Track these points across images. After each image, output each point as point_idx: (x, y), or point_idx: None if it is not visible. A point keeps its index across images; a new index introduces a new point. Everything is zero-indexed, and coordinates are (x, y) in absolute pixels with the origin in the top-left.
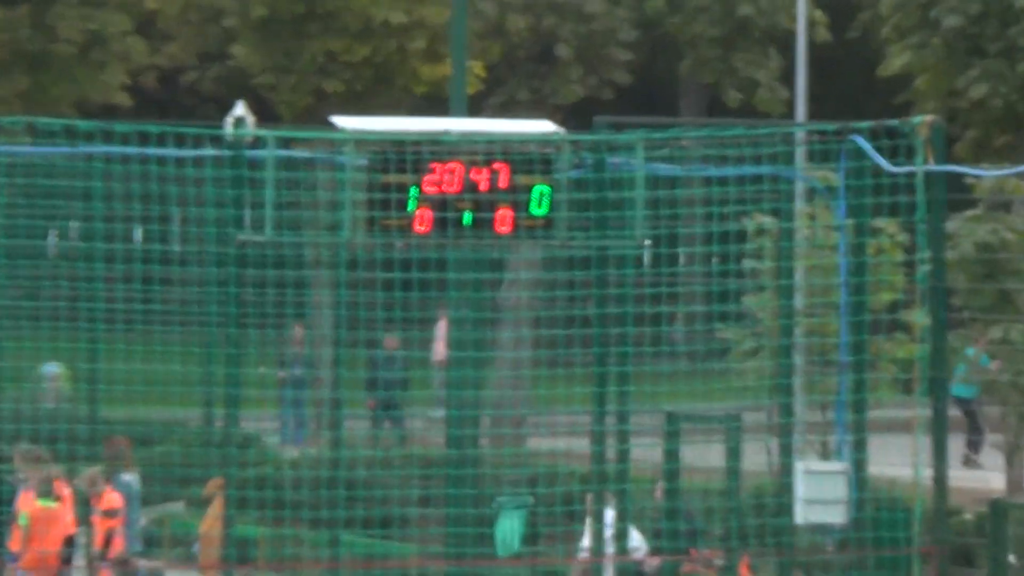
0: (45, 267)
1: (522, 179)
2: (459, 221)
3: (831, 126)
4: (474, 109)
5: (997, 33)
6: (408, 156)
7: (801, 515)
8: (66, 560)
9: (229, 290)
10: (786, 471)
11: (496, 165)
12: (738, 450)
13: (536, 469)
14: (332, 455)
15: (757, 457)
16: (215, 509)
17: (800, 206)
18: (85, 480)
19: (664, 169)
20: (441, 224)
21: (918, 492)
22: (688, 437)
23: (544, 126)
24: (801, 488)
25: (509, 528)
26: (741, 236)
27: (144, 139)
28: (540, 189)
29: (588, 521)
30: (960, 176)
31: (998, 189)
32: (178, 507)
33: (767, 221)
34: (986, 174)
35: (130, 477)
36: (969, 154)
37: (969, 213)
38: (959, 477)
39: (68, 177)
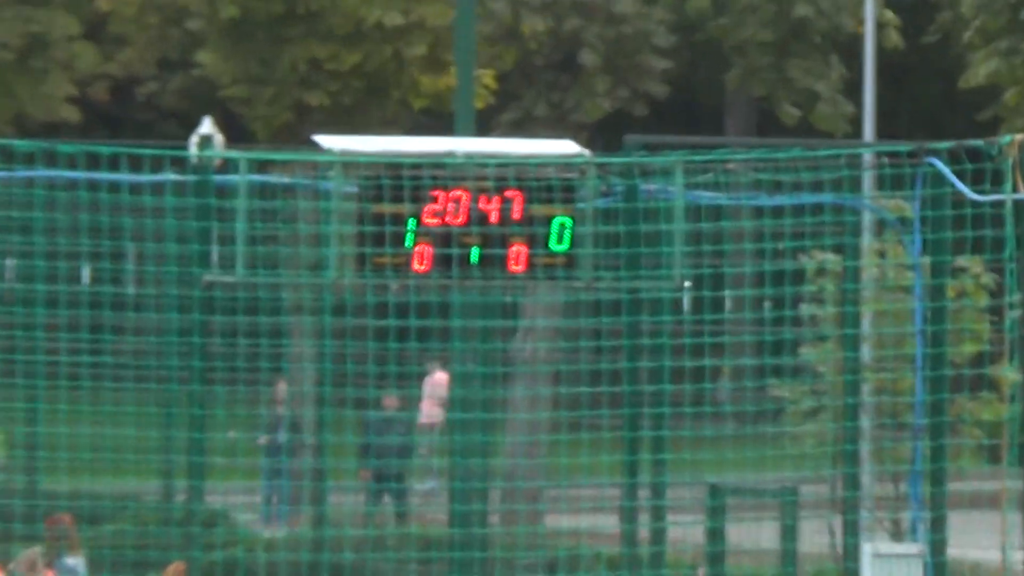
0: None
1: (539, 209)
2: (465, 259)
3: (904, 147)
4: (483, 127)
5: None
6: (405, 182)
7: None
8: None
9: (193, 340)
10: (851, 554)
11: (509, 193)
12: (794, 529)
13: (555, 552)
14: (314, 535)
15: (817, 537)
16: None
17: (868, 241)
18: (23, 564)
19: (707, 198)
20: (444, 262)
21: None
22: (735, 514)
23: (566, 147)
24: (869, 574)
25: None
26: (798, 277)
27: (94, 161)
28: (561, 221)
29: None
30: None
31: None
32: None
33: (829, 259)
34: None
35: (75, 561)
36: None
37: None
38: None
39: (3, 206)
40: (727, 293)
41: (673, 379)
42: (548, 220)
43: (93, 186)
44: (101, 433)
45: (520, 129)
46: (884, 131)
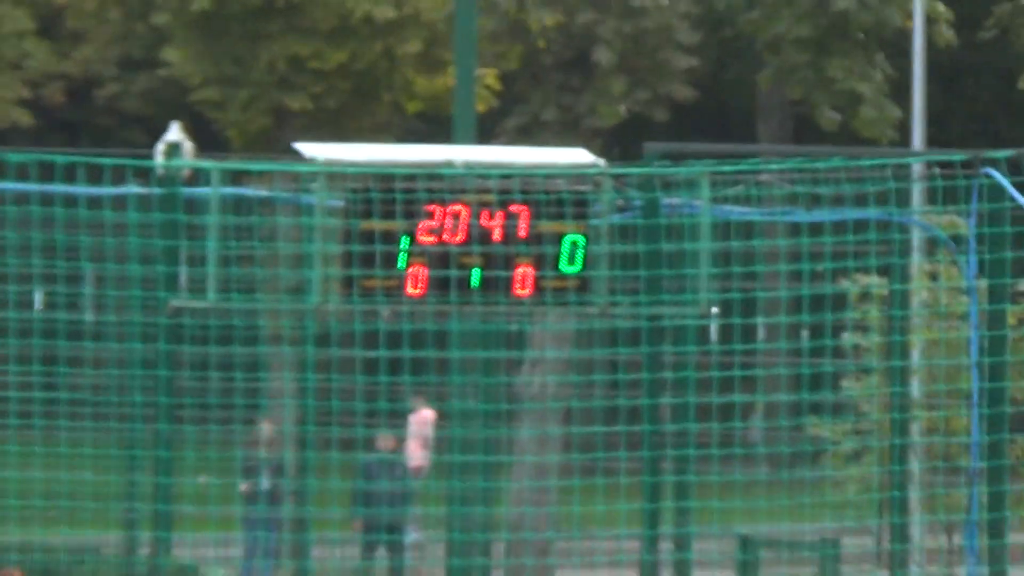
0: None
1: (549, 226)
2: (465, 281)
3: (958, 156)
4: (485, 133)
5: None
6: (398, 195)
7: None
8: None
9: (159, 373)
10: None
11: (514, 208)
12: None
13: None
14: None
15: None
16: None
17: (918, 262)
18: None
19: (737, 213)
20: (441, 285)
21: None
22: (769, 568)
23: (578, 156)
24: None
25: None
26: (840, 302)
27: (47, 172)
28: (572, 239)
29: None
30: None
31: None
32: None
33: (874, 282)
34: None
35: None
36: None
37: None
38: None
39: None
40: (760, 320)
41: (699, 417)
42: (558, 238)
43: (47, 200)
44: (56, 478)
45: (527, 136)
46: (935, 138)
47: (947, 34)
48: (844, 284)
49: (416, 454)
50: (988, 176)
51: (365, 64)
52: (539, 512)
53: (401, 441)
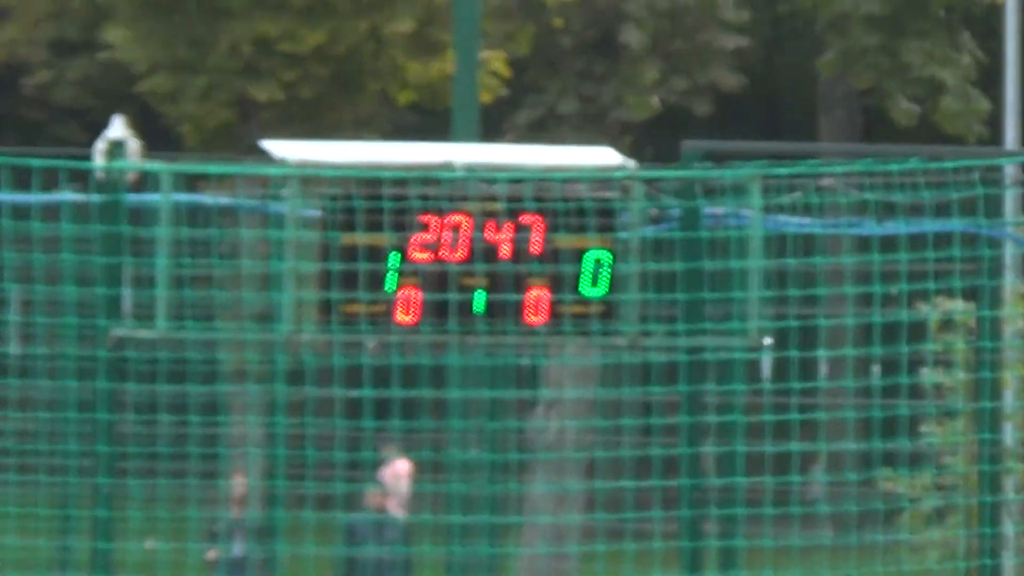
0: None
1: (567, 240)
2: (467, 307)
3: None
4: (491, 129)
5: None
6: (386, 203)
7: None
8: None
9: (98, 416)
10: None
11: (526, 218)
12: None
13: None
14: None
15: None
16: None
17: (1011, 283)
18: None
19: (794, 225)
20: (438, 311)
21: None
22: None
23: (602, 156)
24: None
25: None
26: (918, 332)
27: None
28: (596, 256)
29: None
30: None
31: None
32: None
33: (959, 308)
34: None
35: None
36: None
37: None
38: None
39: None
40: (822, 353)
41: (748, 469)
42: (579, 255)
43: None
44: None
45: (541, 132)
46: None
47: None
48: (923, 310)
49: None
50: None
51: (346, 46)
52: None
53: (391, 498)
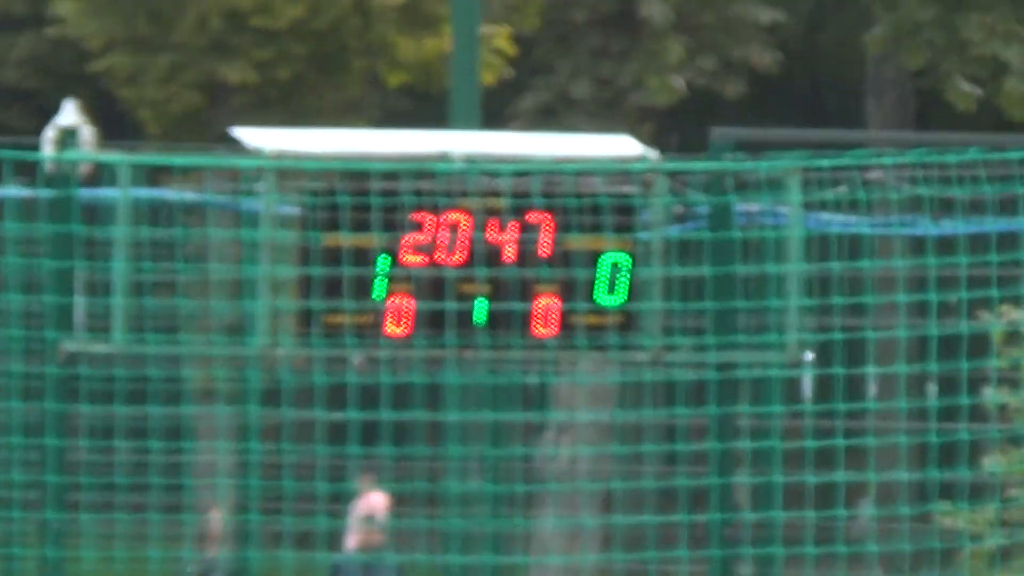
0: None
1: (581, 241)
2: (466, 317)
3: None
4: (494, 115)
5: None
6: (374, 200)
7: None
8: None
9: (46, 442)
10: None
11: (533, 216)
12: None
13: None
14: None
15: None
16: None
17: None
18: None
19: (839, 223)
20: (433, 322)
21: None
22: None
23: (621, 145)
24: None
25: None
26: (980, 345)
27: None
28: (613, 260)
29: None
30: None
31: None
32: None
33: None
34: None
35: None
36: None
37: None
38: None
39: None
40: (871, 371)
41: (787, 503)
42: (594, 258)
43: None
44: None
45: (551, 118)
46: None
47: None
48: (986, 320)
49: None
50: None
51: (328, 21)
52: None
53: (383, 533)
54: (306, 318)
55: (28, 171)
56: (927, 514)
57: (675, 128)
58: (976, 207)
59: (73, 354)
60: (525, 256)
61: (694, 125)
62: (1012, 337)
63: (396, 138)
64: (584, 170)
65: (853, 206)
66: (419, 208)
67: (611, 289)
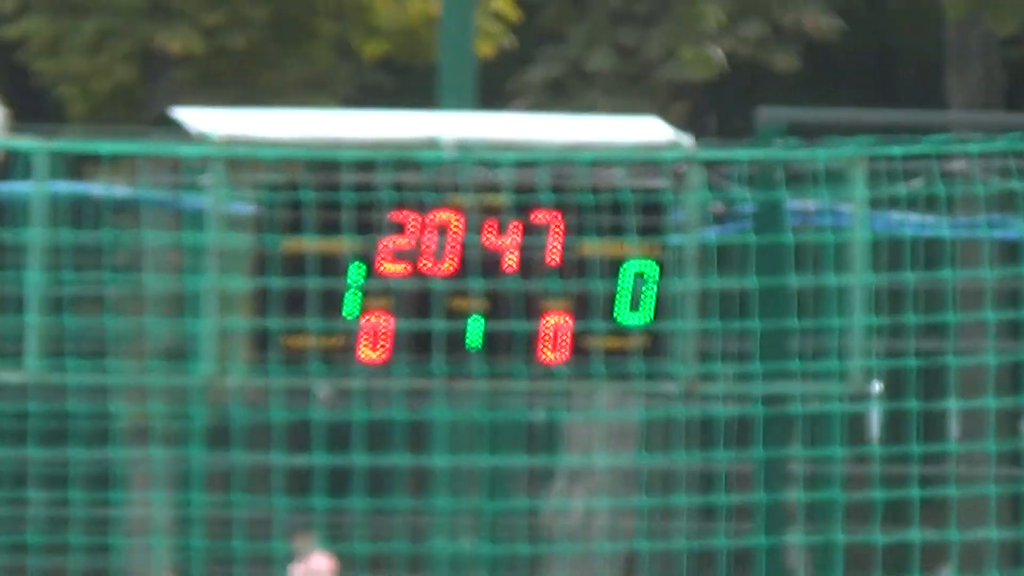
0: None
1: (598, 247)
2: (457, 340)
3: None
4: (494, 92)
5: None
6: (345, 195)
7: None
8: None
9: None
10: None
11: (539, 216)
12: None
13: None
14: None
15: None
16: None
17: None
18: None
19: (913, 224)
20: (418, 345)
21: None
22: None
23: (647, 128)
24: None
25: None
26: None
27: None
28: (638, 268)
29: None
30: None
31: None
32: None
33: None
34: None
35: None
36: None
37: None
38: None
39: None
40: (953, 405)
41: (850, 565)
42: (614, 267)
43: None
44: None
45: (562, 96)
46: None
47: None
48: None
49: None
50: None
51: None
52: None
53: None
54: (262, 340)
55: None
56: None
57: (713, 108)
58: None
59: None
60: (530, 264)
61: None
62: None
63: (373, 120)
64: (602, 159)
65: (931, 203)
66: (400, 206)
67: (635, 305)
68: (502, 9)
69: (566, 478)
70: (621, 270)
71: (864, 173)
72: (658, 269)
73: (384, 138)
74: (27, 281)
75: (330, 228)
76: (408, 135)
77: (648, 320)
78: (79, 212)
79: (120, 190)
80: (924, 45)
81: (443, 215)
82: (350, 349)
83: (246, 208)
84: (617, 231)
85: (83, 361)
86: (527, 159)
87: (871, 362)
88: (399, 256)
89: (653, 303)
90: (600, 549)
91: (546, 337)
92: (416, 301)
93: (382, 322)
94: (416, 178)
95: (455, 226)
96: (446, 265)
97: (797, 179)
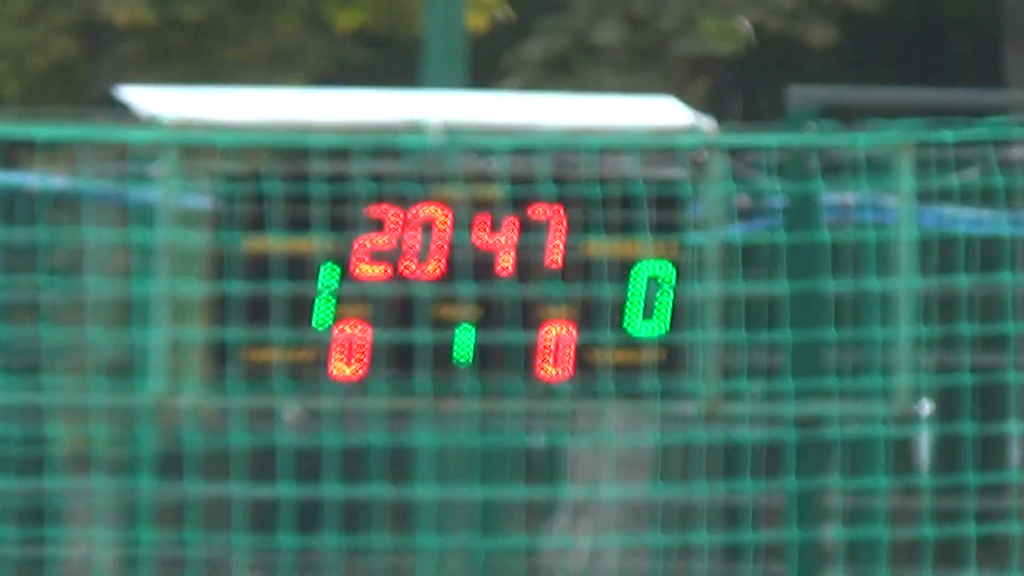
0: None
1: (606, 246)
2: (444, 353)
3: None
4: (487, 70)
5: None
6: (315, 187)
7: None
8: None
9: None
10: None
11: (538, 210)
12: None
13: None
14: None
15: None
16: None
17: None
18: None
19: (969, 220)
20: (400, 360)
21: None
22: None
23: (661, 110)
24: None
25: None
26: None
27: None
28: (651, 270)
29: None
30: None
31: None
32: None
33: None
34: None
35: None
36: None
37: None
38: None
39: None
40: (1014, 428)
41: None
42: (625, 269)
43: None
44: None
45: (564, 74)
46: None
47: None
48: None
49: None
50: None
51: None
52: None
53: None
54: (220, 353)
55: None
56: None
57: (739, 87)
58: None
59: None
60: (527, 267)
61: (766, 83)
62: None
63: (348, 101)
64: (610, 146)
65: (987, 196)
66: (379, 199)
67: (648, 313)
68: None
69: (569, 512)
70: (632, 273)
71: (911, 162)
72: (675, 272)
73: (361, 121)
74: None
75: (299, 225)
76: (388, 118)
77: (663, 330)
78: (11, 206)
79: (58, 181)
80: (979, 16)
81: (428, 210)
82: (321, 364)
83: (202, 202)
84: (628, 228)
85: (14, 378)
86: (524, 145)
87: (920, 379)
88: (377, 257)
89: (669, 311)
90: None
91: (546, 350)
92: (397, 309)
93: (358, 333)
94: (397, 167)
95: (442, 222)
96: (431, 267)
97: (834, 169)
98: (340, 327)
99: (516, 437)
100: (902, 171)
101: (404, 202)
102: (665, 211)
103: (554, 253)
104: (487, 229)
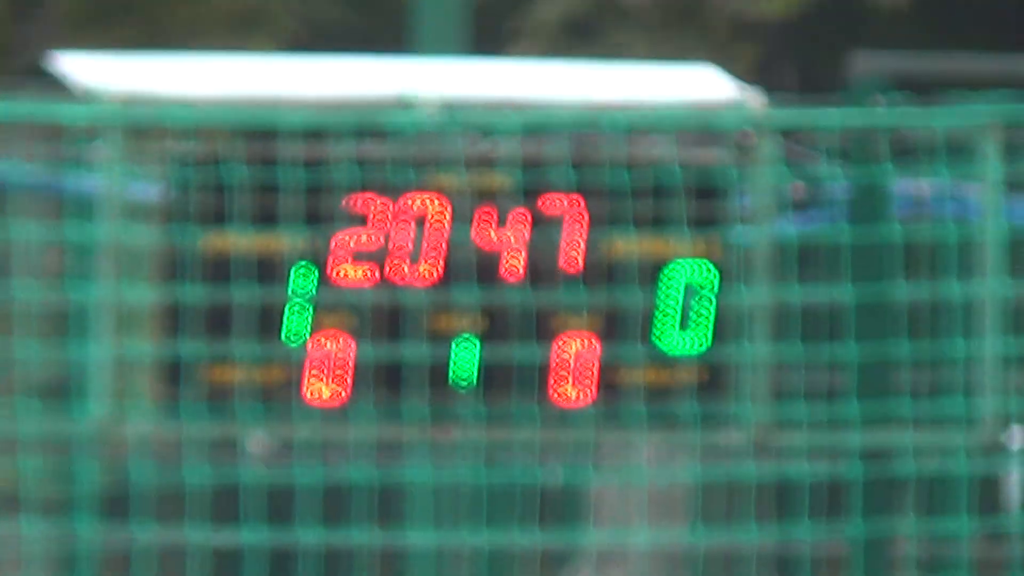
0: None
1: (633, 244)
2: (441, 372)
3: None
4: (491, 35)
5: None
6: (287, 174)
7: None
8: None
9: None
10: None
11: (552, 202)
12: None
13: None
14: None
15: None
16: None
17: None
18: None
19: None
20: (388, 380)
21: None
22: None
23: (700, 80)
24: None
25: None
26: None
27: None
28: (688, 273)
29: None
30: None
31: None
32: None
33: None
34: None
35: None
36: None
37: None
38: None
39: None
40: None
41: None
42: (656, 272)
43: None
44: None
45: (583, 38)
46: None
47: None
48: None
49: None
50: None
51: None
52: None
53: None
54: (174, 372)
55: None
56: None
57: (792, 55)
58: None
59: None
60: (540, 269)
61: (824, 50)
62: None
63: (325, 70)
64: (640, 125)
65: None
66: (363, 188)
67: (683, 323)
68: None
69: (592, 563)
70: (665, 276)
71: (999, 144)
72: (717, 275)
73: (341, 95)
74: None
75: (266, 218)
76: (374, 91)
77: (703, 346)
78: None
79: None
80: None
81: (421, 201)
82: (294, 385)
83: (151, 191)
84: (660, 223)
85: None
86: (536, 124)
87: (1009, 403)
88: (361, 257)
89: (711, 322)
90: None
91: (563, 368)
92: (385, 319)
93: (338, 348)
94: (384, 150)
95: (437, 216)
96: (425, 270)
97: (907, 152)
98: (316, 341)
99: (527, 473)
100: (988, 155)
101: (392, 192)
102: (705, 203)
103: (572, 253)
104: (492, 224)
